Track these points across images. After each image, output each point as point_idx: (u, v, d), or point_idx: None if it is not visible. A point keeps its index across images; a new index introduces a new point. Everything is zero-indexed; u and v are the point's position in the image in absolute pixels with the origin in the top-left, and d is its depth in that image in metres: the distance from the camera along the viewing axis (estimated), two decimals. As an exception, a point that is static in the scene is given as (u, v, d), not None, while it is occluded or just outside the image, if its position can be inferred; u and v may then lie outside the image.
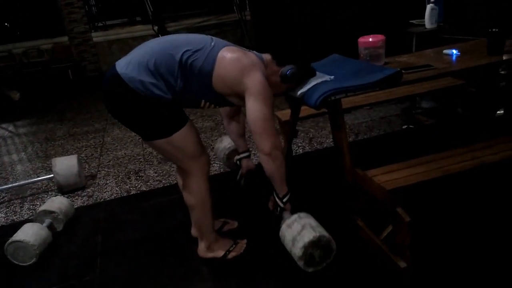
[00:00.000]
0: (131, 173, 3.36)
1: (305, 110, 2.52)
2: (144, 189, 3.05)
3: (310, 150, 3.35)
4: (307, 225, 1.82)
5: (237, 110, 2.24)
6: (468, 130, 3.01)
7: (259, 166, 1.96)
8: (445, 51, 2.31)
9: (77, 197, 3.05)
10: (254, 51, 1.89)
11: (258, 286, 1.94)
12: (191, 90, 1.78)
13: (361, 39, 2.21)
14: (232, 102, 1.87)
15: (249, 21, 7.24)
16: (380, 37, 2.18)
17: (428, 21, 3.34)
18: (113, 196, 3.00)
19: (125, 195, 3.00)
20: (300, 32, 4.47)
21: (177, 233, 2.41)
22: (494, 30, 2.10)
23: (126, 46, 8.17)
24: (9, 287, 2.17)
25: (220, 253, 2.11)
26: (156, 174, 3.26)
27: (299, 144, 3.44)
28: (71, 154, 3.85)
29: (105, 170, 3.49)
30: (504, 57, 2.11)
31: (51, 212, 2.54)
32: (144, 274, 2.11)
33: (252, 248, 2.17)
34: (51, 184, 3.29)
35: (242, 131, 2.33)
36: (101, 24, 8.98)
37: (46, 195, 3.14)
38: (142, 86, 1.69)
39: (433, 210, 2.26)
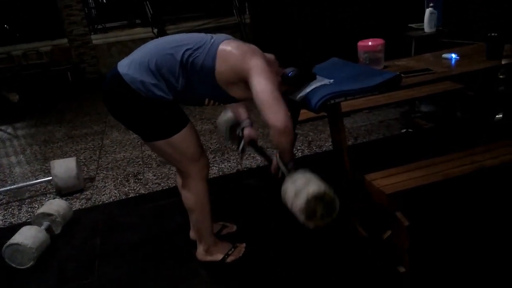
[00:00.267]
0: (130, 175, 3.35)
1: (304, 114, 2.52)
2: (143, 192, 3.05)
3: (309, 154, 3.35)
4: (313, 179, 1.71)
5: None
6: (467, 134, 3.02)
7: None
8: (444, 55, 2.31)
9: (75, 199, 3.05)
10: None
11: (263, 286, 1.94)
12: (194, 88, 1.77)
13: (361, 43, 2.21)
14: (235, 97, 1.83)
15: (249, 24, 7.24)
16: (379, 41, 2.18)
17: (427, 25, 3.35)
18: (111, 199, 2.99)
19: (123, 198, 3.00)
20: (300, 36, 4.48)
21: (176, 236, 2.40)
22: (493, 34, 2.10)
23: (126, 48, 8.18)
24: (6, 290, 2.17)
25: (218, 257, 2.11)
26: (155, 177, 3.26)
27: (298, 148, 3.44)
28: (70, 156, 3.84)
29: (103, 173, 3.48)
30: (503, 62, 2.11)
31: (50, 214, 2.53)
32: (143, 277, 2.10)
33: (251, 251, 2.17)
34: (50, 187, 3.28)
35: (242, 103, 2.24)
36: (101, 27, 8.99)
37: (44, 198, 3.13)
38: (143, 87, 1.69)
39: (432, 214, 2.26)
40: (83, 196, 3.09)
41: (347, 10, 4.46)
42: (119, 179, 3.32)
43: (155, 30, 7.44)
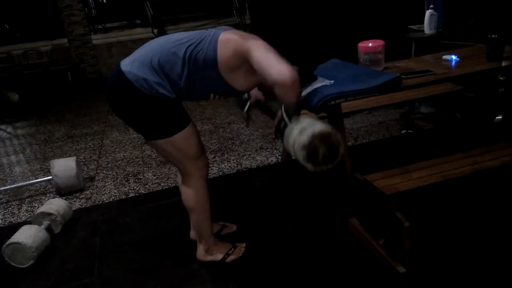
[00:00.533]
0: (130, 175, 3.36)
1: (303, 114, 2.52)
2: (143, 191, 3.05)
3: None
4: (319, 121, 1.66)
5: None
6: (467, 136, 3.02)
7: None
8: (445, 57, 2.32)
9: (75, 199, 3.05)
10: None
11: (263, 286, 1.94)
12: (198, 84, 1.77)
13: (361, 44, 2.22)
14: (238, 89, 1.82)
15: (249, 25, 7.25)
16: (380, 42, 2.19)
17: (427, 26, 3.36)
18: (111, 199, 2.99)
19: (123, 197, 3.00)
20: (300, 37, 4.48)
21: (176, 236, 2.40)
22: (493, 36, 2.11)
23: (126, 48, 8.18)
24: (6, 289, 2.17)
25: (218, 256, 2.11)
26: (154, 177, 3.26)
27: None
28: (70, 156, 3.84)
29: (103, 173, 3.48)
30: (503, 63, 2.11)
31: (49, 214, 2.53)
32: (142, 277, 2.10)
33: (251, 251, 2.17)
34: (49, 186, 3.28)
35: None
36: (101, 27, 8.99)
37: (44, 197, 3.13)
38: (147, 85, 1.70)
39: (432, 215, 2.27)
40: (83, 196, 3.09)
41: (347, 11, 4.47)
42: (119, 178, 3.32)
43: (155, 31, 7.45)
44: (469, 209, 2.28)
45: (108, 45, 8.24)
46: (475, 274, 1.85)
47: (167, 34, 2.02)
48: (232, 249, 2.15)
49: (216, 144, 3.79)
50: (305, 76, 1.89)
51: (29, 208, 2.99)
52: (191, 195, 1.97)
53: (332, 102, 1.80)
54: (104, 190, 3.15)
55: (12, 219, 2.86)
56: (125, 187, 3.15)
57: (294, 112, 1.71)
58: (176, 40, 1.76)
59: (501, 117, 3.15)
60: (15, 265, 2.27)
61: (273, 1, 5.00)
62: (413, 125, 3.60)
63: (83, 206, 2.94)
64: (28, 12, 8.67)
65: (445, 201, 2.35)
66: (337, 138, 1.60)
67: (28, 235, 2.29)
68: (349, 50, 2.47)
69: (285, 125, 1.75)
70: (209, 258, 2.11)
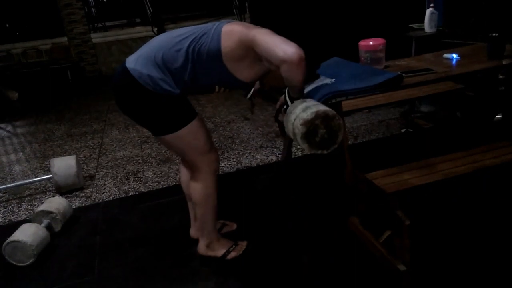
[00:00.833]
0: (130, 174, 3.35)
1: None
2: (143, 190, 3.05)
3: (309, 153, 3.35)
4: (324, 105, 1.65)
5: None
6: (467, 135, 3.02)
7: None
8: (445, 55, 2.31)
9: (75, 197, 3.04)
10: None
11: (262, 285, 1.94)
12: (203, 78, 1.77)
13: (362, 43, 2.21)
14: (243, 80, 1.81)
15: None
16: (380, 41, 2.18)
17: (428, 25, 3.36)
18: (111, 197, 2.99)
19: (123, 196, 3.00)
20: (300, 35, 4.48)
21: (176, 234, 2.40)
22: (494, 34, 2.11)
23: (126, 47, 8.18)
24: (7, 287, 2.17)
25: (220, 252, 2.11)
26: (154, 176, 3.25)
27: (298, 147, 3.44)
28: (70, 154, 3.84)
29: (103, 171, 3.48)
30: (504, 62, 2.11)
31: (49, 212, 2.53)
32: (142, 275, 2.10)
33: (252, 249, 2.17)
34: (49, 185, 3.28)
35: None
36: (101, 25, 8.99)
37: (44, 196, 3.13)
38: (151, 81, 1.71)
39: (433, 213, 2.27)
40: (83, 194, 3.09)
41: (348, 9, 4.46)
42: (119, 177, 3.32)
43: (155, 29, 7.44)
44: (469, 208, 2.28)
45: (107, 44, 8.24)
46: (475, 273, 1.85)
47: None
48: (234, 246, 2.15)
49: (216, 143, 3.79)
50: (307, 74, 1.89)
51: (29, 206, 2.99)
52: (199, 189, 1.98)
53: (333, 101, 1.79)
54: (104, 188, 3.15)
55: (12, 217, 2.86)
56: (125, 186, 3.15)
57: (298, 96, 1.70)
58: (179, 35, 1.77)
59: (500, 116, 3.15)
60: (15, 263, 2.27)
61: (273, 0, 5.00)
62: (413, 124, 3.60)
63: (83, 204, 2.94)
64: (28, 11, 8.67)
65: (445, 200, 2.35)
66: (339, 123, 1.58)
67: (28, 234, 2.29)
68: (350, 48, 2.46)
69: (287, 108, 1.73)
70: (210, 253, 2.12)
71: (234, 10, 7.42)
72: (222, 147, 3.66)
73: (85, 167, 3.61)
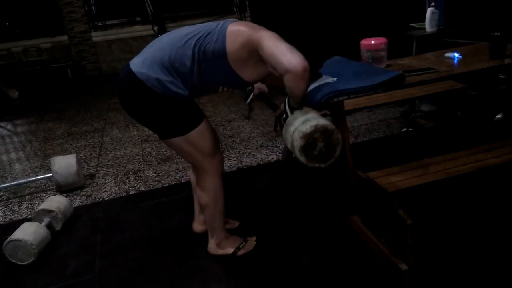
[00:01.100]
0: (130, 173, 3.35)
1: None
2: (143, 189, 3.05)
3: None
4: (324, 118, 1.65)
5: None
6: (468, 134, 3.02)
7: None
8: (447, 54, 2.31)
9: (75, 196, 3.04)
10: None
11: (262, 284, 1.94)
12: (208, 77, 1.77)
13: (364, 42, 2.21)
14: (247, 80, 1.82)
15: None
16: (382, 40, 2.18)
17: (429, 24, 3.35)
18: (112, 196, 2.99)
19: (124, 195, 2.99)
20: (301, 34, 4.47)
21: (176, 233, 2.40)
22: (496, 34, 2.10)
23: (126, 46, 8.18)
24: (7, 286, 2.16)
25: (230, 250, 2.12)
26: (155, 174, 3.25)
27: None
28: (70, 153, 3.84)
29: (104, 170, 3.48)
30: (506, 61, 2.11)
31: (50, 211, 2.53)
32: (143, 274, 2.10)
33: (253, 248, 2.17)
34: (50, 183, 3.28)
35: None
36: (101, 24, 8.98)
37: (44, 194, 3.13)
38: (159, 84, 1.69)
39: (434, 213, 2.26)
40: (83, 193, 3.08)
41: (349, 8, 4.46)
42: (119, 176, 3.31)
43: (155, 28, 7.43)
44: (471, 207, 2.28)
45: (108, 43, 8.23)
46: (477, 272, 1.84)
47: (167, 31, 2.01)
48: (243, 243, 2.15)
49: (217, 142, 3.78)
50: (310, 73, 1.89)
51: (30, 205, 2.99)
52: (207, 191, 1.98)
53: (335, 100, 1.79)
54: (105, 187, 3.15)
55: (12, 216, 2.86)
56: (125, 185, 3.15)
57: (298, 106, 1.70)
58: (184, 35, 1.75)
59: (501, 115, 3.14)
60: (15, 262, 2.27)
61: (274, -1, 4.99)
62: (414, 123, 3.59)
63: (84, 203, 2.94)
64: (28, 9, 8.66)
65: (446, 199, 2.35)
66: (338, 137, 1.59)
67: (29, 232, 2.29)
68: (352, 47, 2.46)
69: (286, 118, 1.74)
70: (221, 251, 2.13)
71: (235, 9, 7.40)
72: (222, 146, 3.66)
73: (86, 166, 3.61)
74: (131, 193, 3.01)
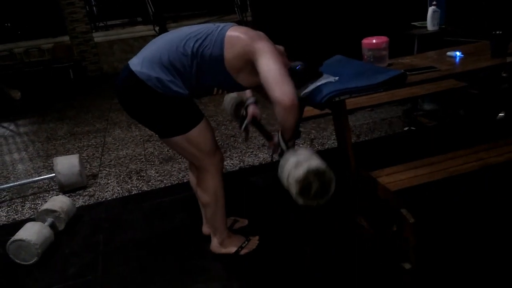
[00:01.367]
0: (133, 173, 3.36)
1: (306, 111, 2.51)
2: (146, 189, 3.05)
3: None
4: (315, 155, 1.68)
5: None
6: (470, 132, 3.01)
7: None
8: (449, 53, 2.31)
9: (78, 196, 3.05)
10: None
11: (264, 284, 1.94)
12: (205, 79, 1.78)
13: (365, 41, 2.21)
14: (242, 85, 1.84)
15: (251, 22, 7.24)
16: (384, 39, 2.18)
17: (430, 23, 3.34)
18: (114, 196, 3.00)
19: (126, 194, 3.00)
20: (303, 33, 4.47)
21: (179, 233, 2.40)
22: (497, 32, 2.10)
23: (127, 46, 8.18)
24: (11, 286, 2.17)
25: (232, 249, 2.12)
26: (157, 174, 3.26)
27: (301, 145, 3.45)
28: (73, 153, 3.84)
29: (106, 170, 3.49)
30: (508, 60, 2.10)
31: (53, 211, 2.54)
32: (146, 274, 2.11)
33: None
34: (53, 184, 3.28)
35: None
36: (102, 24, 8.99)
37: (47, 194, 3.14)
38: (160, 84, 1.70)
39: (437, 211, 2.26)
40: (86, 193, 3.09)
41: (350, 7, 4.46)
42: (122, 176, 3.32)
43: (157, 28, 7.44)
44: (473, 206, 2.28)
45: (109, 43, 8.24)
46: (480, 270, 1.84)
47: (168, 31, 2.01)
48: (246, 242, 2.16)
49: (219, 142, 3.78)
50: (310, 72, 1.89)
51: (33, 205, 3.00)
52: (208, 190, 1.98)
53: (337, 99, 1.79)
54: (107, 187, 3.15)
55: (15, 216, 2.87)
56: (128, 185, 3.15)
57: (290, 138, 1.74)
58: (183, 35, 1.76)
59: (503, 114, 3.14)
60: (19, 262, 2.28)
61: (275, -2, 4.99)
62: (416, 122, 3.59)
63: (86, 203, 2.95)
64: (30, 10, 8.68)
65: (449, 198, 2.35)
66: (330, 175, 1.63)
67: (32, 232, 2.30)
68: (353, 46, 2.46)
69: (282, 152, 1.78)
70: (224, 250, 2.13)
71: (236, 8, 7.41)
72: (224, 146, 3.66)
73: (88, 166, 3.62)
74: (133, 193, 3.02)
